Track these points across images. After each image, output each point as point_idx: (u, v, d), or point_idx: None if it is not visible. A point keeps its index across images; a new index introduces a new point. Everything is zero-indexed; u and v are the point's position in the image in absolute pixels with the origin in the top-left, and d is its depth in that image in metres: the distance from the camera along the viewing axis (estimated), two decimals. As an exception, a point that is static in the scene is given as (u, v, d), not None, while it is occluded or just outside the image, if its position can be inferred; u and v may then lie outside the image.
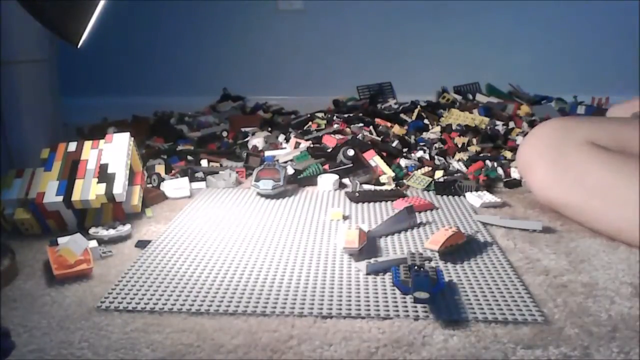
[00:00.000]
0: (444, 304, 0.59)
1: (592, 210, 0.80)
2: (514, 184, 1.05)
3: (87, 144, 0.94)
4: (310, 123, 1.46)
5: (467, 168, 1.12)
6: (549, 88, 1.84)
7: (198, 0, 1.99)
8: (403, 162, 1.14)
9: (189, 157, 1.24)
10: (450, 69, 1.98)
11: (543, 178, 0.86)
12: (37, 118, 1.23)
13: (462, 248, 0.74)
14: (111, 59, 2.01)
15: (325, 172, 1.11)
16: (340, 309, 0.58)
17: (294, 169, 1.10)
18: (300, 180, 1.08)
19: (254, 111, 1.79)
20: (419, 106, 1.61)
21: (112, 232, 0.81)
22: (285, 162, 1.17)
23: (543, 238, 0.79)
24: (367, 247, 0.75)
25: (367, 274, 0.66)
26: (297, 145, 1.25)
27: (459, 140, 1.27)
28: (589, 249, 0.75)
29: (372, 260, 0.67)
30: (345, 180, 1.09)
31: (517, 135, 1.34)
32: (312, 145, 1.21)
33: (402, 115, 1.57)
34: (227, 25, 2.02)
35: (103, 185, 0.84)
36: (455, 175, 1.07)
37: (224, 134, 1.44)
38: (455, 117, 1.49)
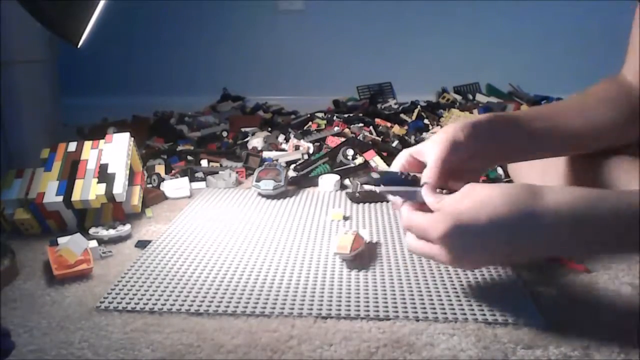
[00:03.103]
0: (444, 304, 0.59)
1: None
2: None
3: (87, 144, 0.94)
4: (310, 123, 1.46)
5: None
6: (549, 88, 1.84)
7: (198, 0, 1.99)
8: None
9: (189, 157, 1.24)
10: (450, 69, 1.98)
11: None
12: (37, 118, 1.23)
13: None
14: (111, 59, 2.01)
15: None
16: (340, 309, 0.58)
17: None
18: (301, 181, 1.08)
19: (254, 111, 1.80)
20: (419, 106, 1.61)
21: (112, 232, 0.81)
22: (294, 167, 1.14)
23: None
24: (367, 253, 0.73)
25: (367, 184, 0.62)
26: (296, 147, 1.25)
27: None
28: (589, 249, 0.75)
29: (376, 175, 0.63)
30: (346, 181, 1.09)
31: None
32: (328, 159, 1.16)
33: (402, 115, 1.57)
34: (227, 25, 2.03)
35: (103, 185, 0.84)
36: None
37: (224, 134, 1.44)
38: (455, 117, 1.49)
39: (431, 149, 0.63)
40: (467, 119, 0.68)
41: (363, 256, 0.72)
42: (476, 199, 0.53)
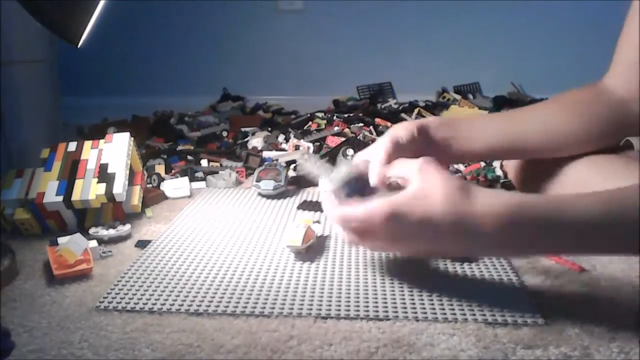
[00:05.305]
0: (444, 304, 0.59)
1: None
2: (511, 186, 1.05)
3: (87, 144, 0.94)
4: (310, 123, 1.46)
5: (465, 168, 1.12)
6: (549, 88, 1.84)
7: (198, 0, 1.99)
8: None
9: (189, 157, 1.24)
10: (450, 69, 1.98)
11: None
12: (37, 118, 1.23)
13: None
14: (111, 59, 2.01)
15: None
16: (340, 309, 0.58)
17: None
18: (301, 181, 1.08)
19: (254, 111, 1.80)
20: (418, 108, 1.61)
21: (112, 232, 0.81)
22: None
23: (543, 238, 0.79)
24: (317, 246, 0.75)
25: None
26: (296, 147, 1.25)
27: None
28: (589, 249, 0.75)
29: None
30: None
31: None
32: (328, 159, 1.17)
33: (402, 115, 1.57)
34: (227, 25, 2.03)
35: (103, 185, 0.84)
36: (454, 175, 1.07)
37: (224, 134, 1.44)
38: (455, 114, 1.50)
39: (375, 151, 0.66)
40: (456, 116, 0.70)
41: (314, 249, 0.74)
42: (415, 192, 0.55)
